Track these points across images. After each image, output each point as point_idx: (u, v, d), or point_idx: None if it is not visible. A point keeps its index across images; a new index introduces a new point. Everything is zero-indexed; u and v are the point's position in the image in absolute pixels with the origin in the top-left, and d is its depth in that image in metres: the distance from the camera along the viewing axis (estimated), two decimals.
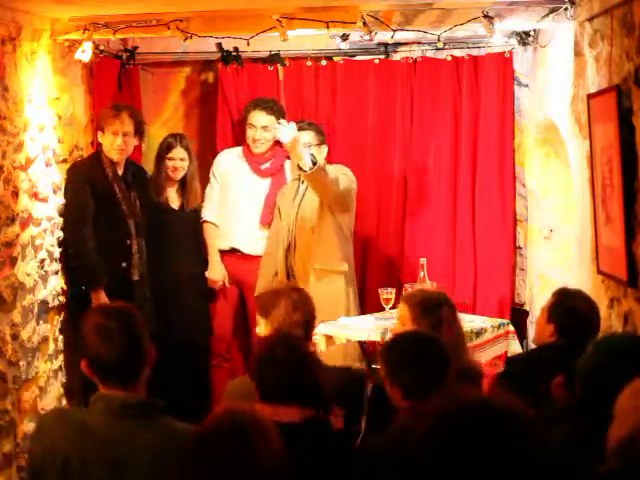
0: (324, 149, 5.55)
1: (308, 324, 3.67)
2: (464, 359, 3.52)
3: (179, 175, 5.71)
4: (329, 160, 5.61)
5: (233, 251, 5.88)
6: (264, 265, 5.63)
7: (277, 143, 5.83)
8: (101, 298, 5.08)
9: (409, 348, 3.00)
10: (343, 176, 5.37)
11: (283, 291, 3.75)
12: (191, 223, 5.82)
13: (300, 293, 3.77)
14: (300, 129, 5.44)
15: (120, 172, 5.36)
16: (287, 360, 2.85)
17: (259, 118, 5.77)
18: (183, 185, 5.76)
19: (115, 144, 5.25)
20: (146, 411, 2.63)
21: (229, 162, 5.92)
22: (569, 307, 3.57)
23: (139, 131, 5.40)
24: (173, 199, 5.77)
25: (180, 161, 5.69)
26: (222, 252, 5.88)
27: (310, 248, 5.40)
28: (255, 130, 5.78)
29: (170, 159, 5.68)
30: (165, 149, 5.69)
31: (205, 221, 5.88)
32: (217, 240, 5.87)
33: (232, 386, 3.61)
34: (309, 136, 5.48)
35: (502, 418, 1.79)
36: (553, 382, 3.09)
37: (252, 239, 5.81)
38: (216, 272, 5.85)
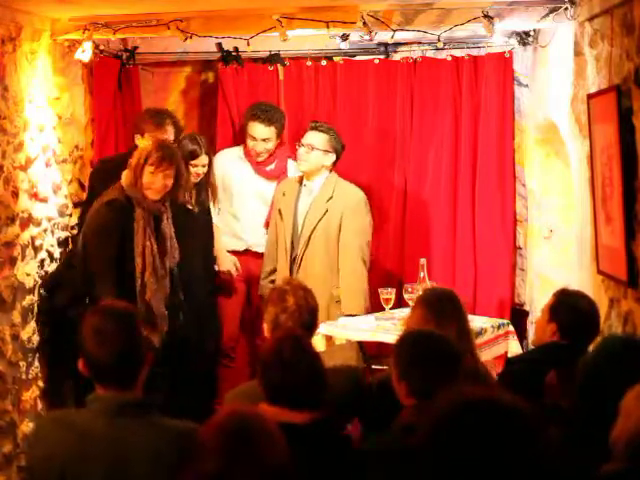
0: (330, 157, 5.41)
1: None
2: (475, 360, 3.51)
3: (198, 180, 5.56)
4: (337, 171, 5.55)
5: (244, 251, 5.87)
6: (266, 265, 5.63)
7: (279, 144, 5.84)
8: None
9: (420, 345, 2.99)
10: (363, 243, 5.34)
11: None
12: (209, 225, 5.75)
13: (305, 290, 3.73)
14: (313, 129, 5.39)
15: None
16: (296, 362, 2.84)
17: (259, 131, 5.70)
18: (199, 186, 5.65)
19: None
20: (142, 410, 2.64)
21: (229, 163, 5.88)
22: (572, 306, 3.55)
23: (177, 138, 5.37)
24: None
25: (202, 167, 5.52)
26: (230, 252, 5.87)
27: (322, 274, 5.34)
28: (256, 142, 5.73)
29: (194, 166, 5.49)
30: (189, 156, 5.43)
31: None
32: (221, 237, 5.82)
33: (232, 395, 3.59)
34: (318, 139, 5.36)
35: (507, 414, 1.79)
36: (546, 377, 3.09)
37: (261, 238, 5.80)
38: (226, 262, 5.80)
